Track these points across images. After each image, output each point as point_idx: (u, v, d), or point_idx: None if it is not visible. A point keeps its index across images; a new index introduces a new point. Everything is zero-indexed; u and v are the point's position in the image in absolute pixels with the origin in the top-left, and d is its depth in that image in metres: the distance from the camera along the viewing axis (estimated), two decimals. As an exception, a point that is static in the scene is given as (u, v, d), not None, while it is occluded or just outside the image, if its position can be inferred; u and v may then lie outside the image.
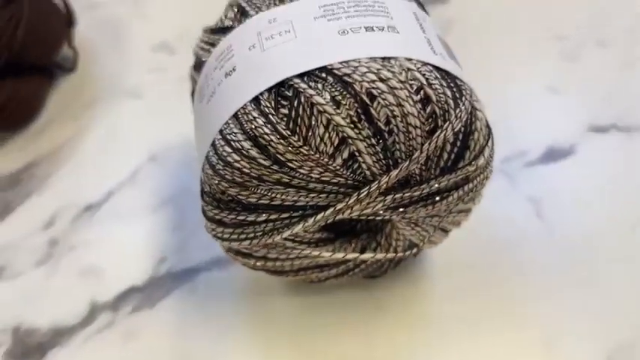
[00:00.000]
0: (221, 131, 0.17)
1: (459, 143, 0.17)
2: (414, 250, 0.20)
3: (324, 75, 0.17)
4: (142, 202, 0.26)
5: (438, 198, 0.17)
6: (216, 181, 0.17)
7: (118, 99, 0.29)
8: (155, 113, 0.29)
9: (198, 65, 0.22)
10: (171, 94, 0.29)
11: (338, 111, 0.16)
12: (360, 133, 0.16)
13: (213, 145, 0.18)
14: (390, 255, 0.20)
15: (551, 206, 0.25)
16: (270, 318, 0.22)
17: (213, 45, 0.21)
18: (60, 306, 0.23)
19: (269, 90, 0.17)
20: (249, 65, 0.18)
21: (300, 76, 0.17)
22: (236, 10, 0.21)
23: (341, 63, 0.17)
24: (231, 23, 0.20)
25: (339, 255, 0.19)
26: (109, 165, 0.27)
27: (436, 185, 0.17)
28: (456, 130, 0.17)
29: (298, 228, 0.17)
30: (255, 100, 0.17)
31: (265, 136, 0.16)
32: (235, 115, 0.17)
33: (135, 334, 0.22)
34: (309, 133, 0.16)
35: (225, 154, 0.17)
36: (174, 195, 0.26)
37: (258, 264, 0.20)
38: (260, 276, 0.21)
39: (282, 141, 0.16)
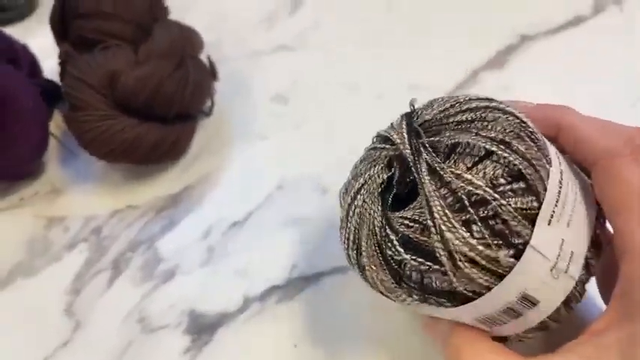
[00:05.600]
0: None
1: None
2: None
3: None
4: (275, 221, 0.33)
5: None
6: None
7: (248, 139, 0.37)
8: (278, 151, 0.37)
9: None
10: (289, 136, 0.37)
11: None
12: None
13: None
14: None
15: None
16: (376, 317, 0.30)
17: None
18: (222, 297, 0.31)
19: None
20: None
21: None
22: None
23: None
24: None
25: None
26: (247, 191, 0.35)
27: None
28: None
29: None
30: None
31: None
32: None
33: (278, 320, 0.30)
34: None
35: None
36: (298, 216, 0.34)
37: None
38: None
39: None
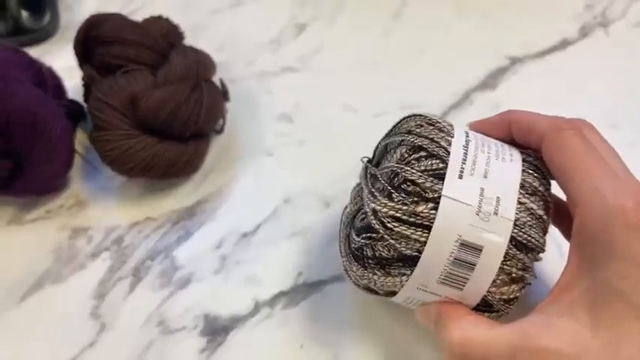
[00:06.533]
0: None
1: None
2: None
3: None
4: (281, 232, 0.36)
5: None
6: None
7: (257, 155, 0.40)
8: (284, 168, 0.40)
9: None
10: (293, 153, 0.40)
11: None
12: None
13: None
14: None
15: None
16: (375, 320, 0.33)
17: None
18: (234, 301, 0.34)
19: None
20: None
21: None
22: None
23: None
24: None
25: None
26: (256, 204, 0.38)
27: None
28: None
29: None
30: None
31: None
32: None
33: (285, 323, 0.33)
34: None
35: None
36: (303, 228, 0.37)
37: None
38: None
39: None
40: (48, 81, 0.39)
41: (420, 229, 0.25)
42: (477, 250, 0.25)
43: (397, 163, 0.27)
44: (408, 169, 0.26)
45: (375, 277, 0.27)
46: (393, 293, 0.27)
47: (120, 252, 0.36)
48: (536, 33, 0.47)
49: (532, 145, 0.27)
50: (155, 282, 0.35)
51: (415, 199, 0.26)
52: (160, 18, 0.41)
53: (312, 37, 0.48)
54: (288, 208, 0.38)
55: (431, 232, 0.25)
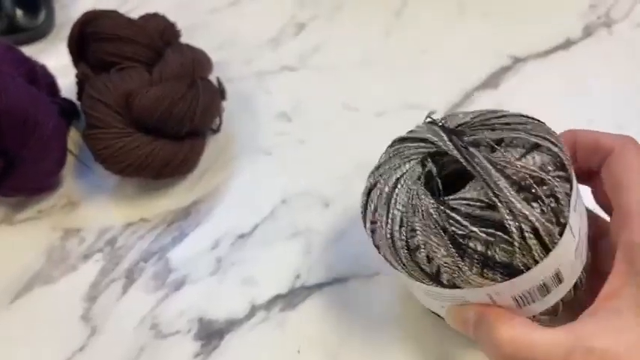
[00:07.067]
0: None
1: None
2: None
3: None
4: (279, 233, 0.35)
5: None
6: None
7: (255, 155, 0.39)
8: (282, 167, 0.39)
9: None
10: (292, 152, 0.39)
11: None
12: None
13: None
14: None
15: None
16: (374, 325, 0.32)
17: None
18: (229, 304, 0.33)
19: None
20: None
21: None
22: None
23: None
24: None
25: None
26: (253, 204, 0.37)
27: None
28: None
29: None
30: None
31: None
32: None
33: (282, 326, 0.32)
34: None
35: None
36: (301, 229, 0.36)
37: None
38: (371, 290, 0.31)
39: None
40: (41, 78, 0.38)
41: (545, 251, 0.24)
42: (560, 281, 0.25)
43: (543, 171, 0.24)
44: (557, 184, 0.24)
45: (467, 272, 0.24)
46: (454, 287, 0.26)
47: (113, 253, 0.35)
48: (540, 32, 0.46)
49: (594, 163, 0.27)
50: (149, 284, 0.34)
51: (553, 218, 0.24)
52: (156, 15, 0.40)
53: (311, 35, 0.47)
54: (286, 208, 0.36)
55: (548, 256, 0.24)
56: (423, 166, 0.27)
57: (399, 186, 0.26)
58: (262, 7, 0.50)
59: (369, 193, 0.27)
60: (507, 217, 0.24)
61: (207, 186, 0.38)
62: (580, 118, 0.40)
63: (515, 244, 0.24)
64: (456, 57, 0.45)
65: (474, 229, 0.24)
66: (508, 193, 0.24)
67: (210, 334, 0.32)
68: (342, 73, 0.44)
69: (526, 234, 0.24)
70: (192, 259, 0.35)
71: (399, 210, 0.25)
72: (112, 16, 0.38)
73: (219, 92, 0.39)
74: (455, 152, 0.25)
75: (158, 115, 0.35)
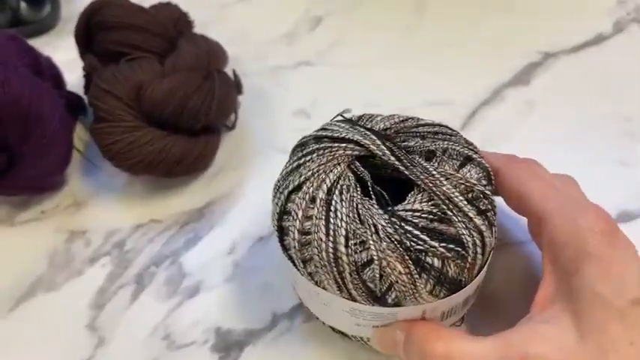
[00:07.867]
0: None
1: None
2: None
3: None
4: (301, 237, 0.33)
5: None
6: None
7: (271, 153, 0.37)
8: (302, 166, 0.36)
9: None
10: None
11: None
12: None
13: None
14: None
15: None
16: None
17: None
18: (249, 313, 0.30)
19: None
20: None
21: None
22: None
23: None
24: None
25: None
26: (271, 206, 0.34)
27: None
28: None
29: None
30: None
31: None
32: None
33: (306, 338, 0.29)
34: None
35: None
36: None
37: None
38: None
39: None
40: (45, 70, 0.36)
41: (483, 265, 0.24)
42: (475, 294, 0.26)
43: (478, 182, 0.24)
44: (493, 199, 0.25)
45: (421, 290, 0.23)
46: (395, 305, 0.23)
47: (121, 257, 0.33)
48: (569, 28, 0.44)
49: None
50: (160, 291, 0.31)
51: (494, 232, 0.25)
52: (169, 4, 0.38)
53: (329, 30, 0.45)
54: (307, 210, 0.34)
55: (482, 271, 0.25)
56: (352, 171, 0.25)
57: (336, 193, 0.23)
58: (275, 2, 0.48)
59: (288, 196, 0.25)
60: (464, 232, 0.23)
61: (223, 185, 0.36)
62: (612, 113, 0.38)
63: (469, 259, 0.23)
64: (481, 53, 0.43)
65: (434, 243, 0.22)
66: (463, 206, 0.23)
67: (229, 345, 0.29)
68: (363, 70, 0.42)
69: (478, 249, 0.23)
70: (207, 263, 0.32)
71: (343, 221, 0.23)
72: (122, 3, 0.36)
73: (236, 86, 0.37)
74: (392, 159, 0.24)
75: (171, 109, 0.32)
